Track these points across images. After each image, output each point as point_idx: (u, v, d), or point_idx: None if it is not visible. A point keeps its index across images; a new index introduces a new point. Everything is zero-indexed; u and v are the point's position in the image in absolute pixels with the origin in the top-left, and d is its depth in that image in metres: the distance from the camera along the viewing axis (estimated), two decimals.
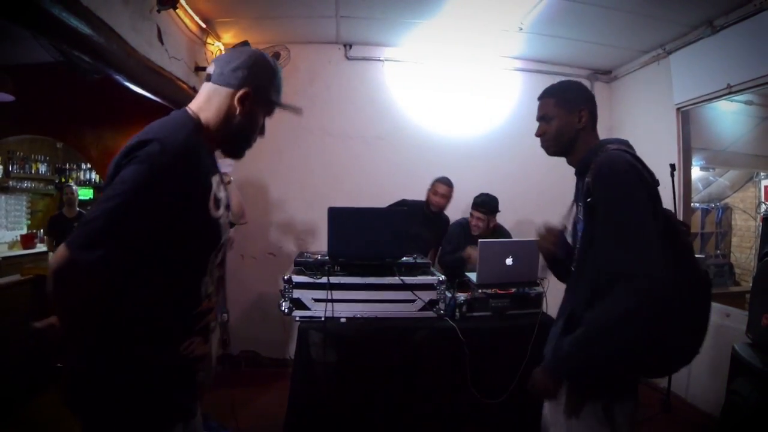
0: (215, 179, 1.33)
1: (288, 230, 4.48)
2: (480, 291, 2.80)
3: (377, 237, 2.67)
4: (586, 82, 4.69)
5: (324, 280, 2.59)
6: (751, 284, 3.01)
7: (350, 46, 4.47)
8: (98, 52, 2.50)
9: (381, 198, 4.38)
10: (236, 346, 4.38)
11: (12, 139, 5.95)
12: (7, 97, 3.93)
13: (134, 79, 2.93)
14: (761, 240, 2.79)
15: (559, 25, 3.84)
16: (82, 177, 7.20)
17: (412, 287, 2.65)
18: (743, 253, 5.90)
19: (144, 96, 3.18)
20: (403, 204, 3.84)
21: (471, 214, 3.61)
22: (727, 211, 5.94)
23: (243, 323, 4.38)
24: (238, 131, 1.37)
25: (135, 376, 1.20)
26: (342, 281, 2.62)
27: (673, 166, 3.47)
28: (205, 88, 1.37)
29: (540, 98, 1.79)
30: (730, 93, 3.46)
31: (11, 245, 6.51)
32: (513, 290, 2.82)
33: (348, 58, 4.49)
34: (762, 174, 5.87)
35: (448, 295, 2.78)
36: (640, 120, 4.33)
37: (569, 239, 1.81)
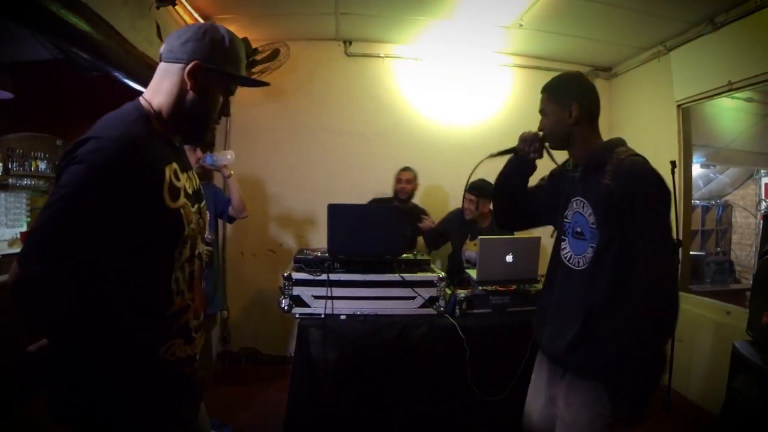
0: (170, 168, 1.23)
1: (288, 227, 4.48)
2: (480, 288, 2.80)
3: (377, 234, 2.66)
4: None
5: (324, 277, 2.58)
6: (751, 281, 3.01)
7: (350, 43, 4.46)
8: (97, 49, 2.50)
9: (381, 195, 4.38)
10: (236, 343, 4.38)
11: (11, 137, 5.93)
12: (7, 95, 3.93)
13: (133, 76, 2.92)
14: (761, 237, 2.79)
15: (559, 22, 3.83)
16: None
17: (412, 284, 2.65)
18: (743, 251, 5.91)
19: (143, 93, 3.18)
20: (375, 202, 3.95)
21: (464, 197, 3.62)
22: (727, 209, 5.94)
23: (243, 320, 4.38)
24: (191, 110, 1.26)
25: (116, 384, 1.17)
26: (342, 278, 2.62)
27: (673, 164, 3.45)
28: (159, 69, 1.28)
29: (541, 92, 1.82)
30: (730, 90, 3.45)
31: (11, 243, 6.50)
32: (513, 287, 2.82)
33: (348, 55, 4.48)
34: (762, 171, 5.88)
35: (448, 292, 2.78)
36: (641, 117, 4.32)
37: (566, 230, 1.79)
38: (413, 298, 2.65)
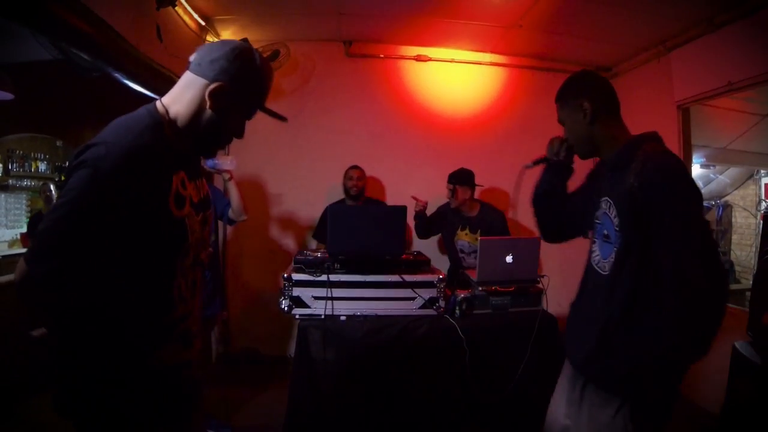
0: (178, 177, 1.25)
1: (288, 228, 4.48)
2: (480, 288, 2.80)
3: (377, 234, 2.67)
4: None
5: (324, 277, 2.59)
6: (751, 282, 3.01)
7: (350, 44, 4.46)
8: (97, 49, 2.50)
9: (382, 195, 4.39)
10: (236, 344, 4.38)
11: (11, 138, 5.93)
12: (7, 96, 3.92)
13: (133, 77, 2.92)
14: (762, 238, 2.79)
15: (558, 23, 3.83)
16: None
17: (412, 285, 2.65)
18: (743, 251, 5.90)
19: (143, 94, 3.18)
20: (332, 207, 3.91)
21: (447, 188, 3.75)
22: (727, 209, 5.94)
23: (243, 321, 4.38)
24: (207, 127, 1.27)
25: (109, 383, 1.19)
26: (342, 279, 2.62)
27: None
28: (184, 78, 1.29)
29: (555, 103, 1.75)
30: (730, 90, 3.45)
31: (11, 244, 6.50)
32: (513, 288, 2.82)
33: (348, 56, 4.48)
34: (762, 171, 5.88)
35: (449, 292, 2.78)
36: (640, 117, 4.28)
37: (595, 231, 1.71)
38: (413, 298, 2.65)
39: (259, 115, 1.35)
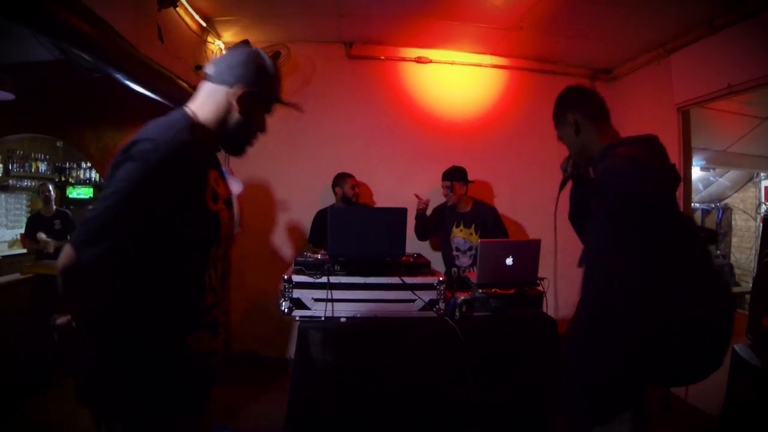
0: (213, 175, 1.35)
1: (288, 230, 4.48)
2: (480, 291, 2.80)
3: (377, 237, 2.67)
4: (586, 82, 4.70)
5: (324, 279, 2.59)
6: (751, 285, 3.01)
7: (351, 45, 4.47)
8: (98, 50, 2.50)
9: (382, 197, 4.40)
10: (236, 346, 4.38)
11: (12, 138, 5.94)
12: (7, 96, 3.92)
13: (134, 78, 2.92)
14: (761, 240, 2.79)
15: (559, 25, 3.83)
16: (82, 176, 7.20)
17: (412, 287, 2.65)
18: (743, 254, 5.91)
19: (144, 94, 3.18)
20: (324, 213, 3.92)
21: (442, 187, 3.83)
22: (727, 212, 5.94)
23: (243, 323, 4.38)
24: (236, 129, 1.40)
25: (142, 368, 1.25)
26: (342, 281, 2.62)
27: (673, 166, 3.46)
28: (204, 88, 1.40)
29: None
30: (730, 93, 3.45)
31: (11, 244, 6.51)
32: (513, 290, 2.82)
33: (349, 57, 4.48)
34: (762, 174, 5.88)
35: (449, 294, 2.78)
36: (641, 120, 4.32)
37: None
38: (413, 300, 2.65)
39: None
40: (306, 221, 4.36)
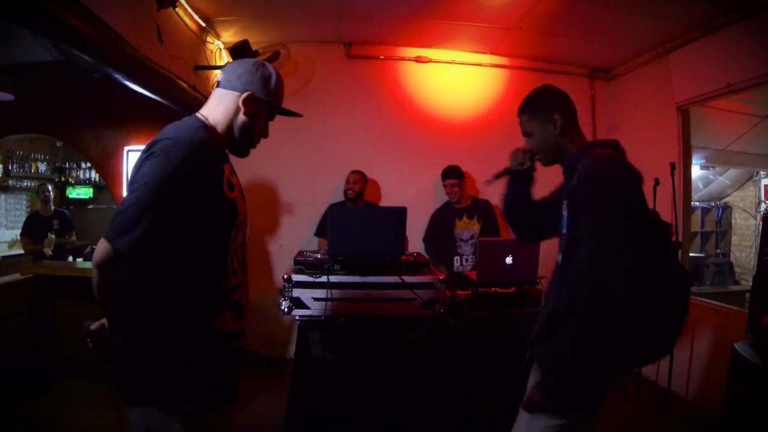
0: (227, 167, 1.49)
1: (288, 229, 4.48)
2: (480, 289, 2.80)
3: (377, 236, 2.67)
4: (585, 81, 4.70)
5: (324, 279, 2.58)
6: (751, 283, 3.01)
7: (350, 45, 4.47)
8: (98, 51, 2.50)
9: (382, 196, 4.39)
10: None
11: (12, 138, 5.95)
12: (7, 96, 3.93)
13: (134, 78, 2.92)
14: (761, 239, 2.79)
15: (558, 24, 3.84)
16: (81, 176, 7.20)
17: (412, 286, 2.65)
18: (743, 252, 5.91)
19: (144, 95, 3.18)
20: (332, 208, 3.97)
21: (444, 186, 3.96)
22: (727, 210, 5.94)
23: None
24: (242, 130, 1.52)
25: (174, 353, 1.36)
26: (342, 280, 2.62)
27: (673, 165, 3.47)
28: (215, 94, 1.54)
29: (518, 115, 1.83)
30: (730, 91, 3.45)
31: (11, 244, 6.51)
32: (513, 289, 2.82)
33: (348, 57, 4.48)
34: (762, 173, 5.88)
35: (448, 294, 2.78)
36: (640, 119, 4.32)
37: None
38: (413, 299, 2.65)
39: None
40: (305, 220, 4.37)
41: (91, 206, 7.09)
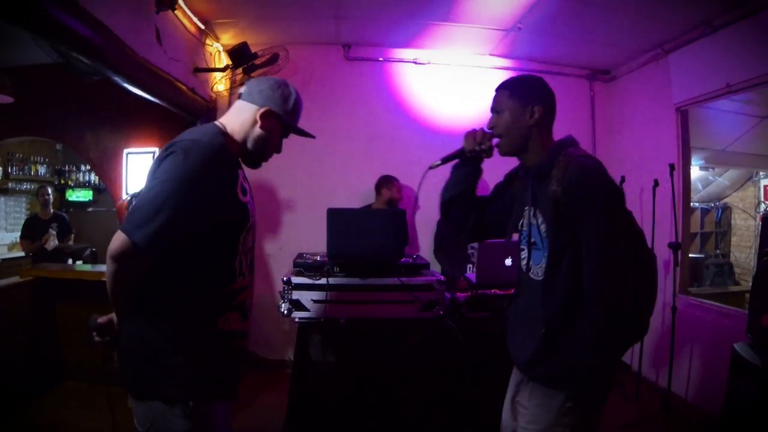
0: (240, 173, 1.54)
1: (287, 231, 4.48)
2: (479, 291, 2.79)
3: (376, 238, 2.67)
4: (585, 82, 4.70)
5: (323, 281, 2.58)
6: (750, 284, 3.01)
7: (349, 47, 4.47)
8: (97, 53, 2.50)
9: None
10: None
11: (11, 141, 5.94)
12: (6, 99, 3.93)
13: (133, 81, 2.92)
14: (761, 239, 2.79)
15: (557, 25, 3.84)
16: (81, 178, 7.19)
17: (412, 288, 2.65)
18: (743, 253, 5.90)
19: (143, 97, 3.18)
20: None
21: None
22: (726, 211, 5.93)
23: None
24: (256, 142, 1.58)
25: (179, 349, 1.39)
26: (341, 282, 2.61)
27: (672, 166, 3.47)
28: (235, 105, 1.61)
29: (496, 89, 1.74)
30: (729, 92, 3.45)
31: (11, 247, 6.51)
32: (513, 290, 2.82)
33: (347, 59, 4.48)
34: (761, 173, 5.87)
35: (448, 295, 2.78)
36: (639, 120, 4.32)
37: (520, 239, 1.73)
38: (413, 302, 2.65)
39: None
40: (304, 222, 4.36)
41: (90, 209, 7.08)
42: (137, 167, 4.38)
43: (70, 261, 5.14)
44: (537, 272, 1.60)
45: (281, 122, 1.62)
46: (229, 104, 4.34)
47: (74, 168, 7.22)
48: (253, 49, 3.87)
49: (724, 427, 2.57)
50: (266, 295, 4.24)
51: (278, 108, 1.58)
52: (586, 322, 1.45)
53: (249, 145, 1.58)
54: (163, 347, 1.39)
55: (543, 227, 1.55)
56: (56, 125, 4.67)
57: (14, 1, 1.90)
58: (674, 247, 3.48)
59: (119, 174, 4.54)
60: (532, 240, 1.61)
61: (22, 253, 6.10)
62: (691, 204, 4.49)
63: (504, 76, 4.53)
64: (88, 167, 7.02)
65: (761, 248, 2.73)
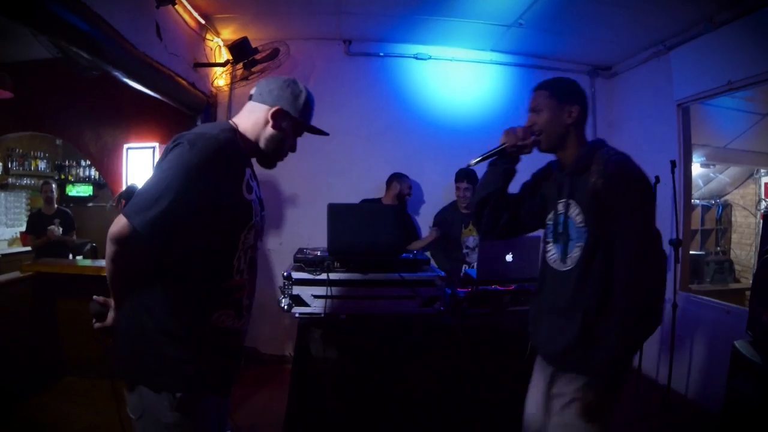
0: (248, 171, 1.53)
1: (287, 226, 4.48)
2: (480, 287, 2.79)
3: (377, 233, 2.66)
4: (586, 78, 4.70)
5: (323, 276, 2.58)
6: (751, 281, 3.01)
7: (350, 42, 4.46)
8: (97, 48, 2.50)
9: (381, 194, 4.38)
10: None
11: (11, 136, 5.94)
12: (6, 94, 3.92)
13: (133, 76, 2.92)
14: (761, 237, 2.78)
15: (558, 21, 3.83)
16: (81, 174, 7.18)
17: (412, 284, 2.65)
18: (743, 250, 5.90)
19: (143, 92, 3.18)
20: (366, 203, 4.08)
21: (457, 188, 3.83)
22: (727, 208, 5.93)
23: None
24: (268, 142, 1.59)
25: (171, 340, 1.40)
26: (342, 278, 2.61)
27: (673, 163, 3.46)
28: (247, 106, 1.62)
29: (534, 90, 1.80)
30: (730, 89, 3.45)
31: (11, 242, 6.51)
32: (513, 286, 2.82)
33: (348, 54, 4.47)
34: (762, 171, 5.87)
35: (448, 291, 2.78)
36: (641, 116, 4.31)
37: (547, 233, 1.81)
38: (413, 297, 2.65)
39: None
40: (305, 217, 4.36)
41: (90, 204, 7.07)
42: (137, 162, 4.39)
43: (70, 256, 5.15)
44: (566, 263, 1.67)
45: (293, 121, 1.62)
46: (230, 99, 4.36)
47: (74, 163, 7.20)
48: (253, 44, 3.86)
49: (724, 425, 2.58)
50: (266, 290, 4.24)
51: (289, 107, 1.59)
52: (617, 306, 1.52)
53: (262, 145, 1.59)
54: (156, 336, 1.39)
55: (579, 218, 1.63)
56: (56, 120, 4.67)
57: None
58: (675, 244, 3.48)
59: (119, 169, 4.54)
60: (560, 231, 1.69)
61: (23, 248, 6.12)
62: (692, 201, 4.49)
63: (505, 71, 4.61)
64: (88, 162, 7.00)
65: (762, 246, 2.73)
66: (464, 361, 2.59)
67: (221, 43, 4.26)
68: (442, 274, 2.71)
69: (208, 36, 4.09)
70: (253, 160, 1.64)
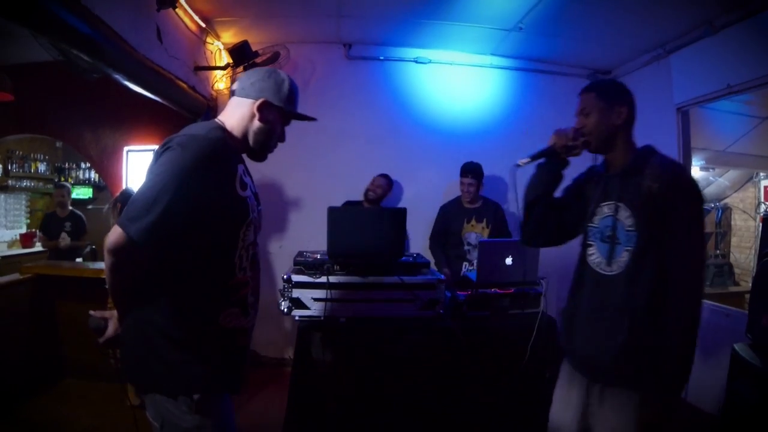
0: (240, 167, 1.52)
1: (287, 229, 4.48)
2: (480, 290, 2.79)
3: (377, 236, 2.66)
4: (585, 82, 4.69)
5: (323, 279, 2.58)
6: (750, 284, 3.01)
7: (350, 46, 4.47)
8: (97, 51, 2.50)
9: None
10: None
11: (11, 138, 5.94)
12: (6, 96, 3.93)
13: (133, 79, 2.92)
14: (761, 240, 2.79)
15: (558, 25, 3.83)
16: (81, 176, 7.19)
17: (412, 287, 2.65)
18: (743, 253, 5.90)
19: (143, 95, 3.18)
20: (348, 205, 4.11)
21: (461, 183, 3.84)
22: (726, 211, 5.94)
23: None
24: (257, 135, 1.57)
25: (178, 344, 1.40)
26: (341, 281, 2.62)
27: None
28: (231, 102, 1.60)
29: (581, 93, 1.77)
30: (730, 93, 3.45)
31: (10, 244, 6.51)
32: (513, 290, 2.82)
33: (348, 58, 4.48)
34: (762, 174, 5.87)
35: (448, 294, 2.78)
36: (640, 120, 4.25)
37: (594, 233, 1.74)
38: (413, 300, 2.65)
39: None
40: (305, 220, 4.36)
41: (90, 206, 7.07)
42: (137, 165, 4.39)
43: (79, 260, 5.20)
44: (611, 266, 1.64)
45: (279, 111, 1.59)
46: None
47: (74, 165, 7.22)
48: (254, 48, 3.86)
49: (724, 428, 2.58)
50: (267, 293, 4.22)
51: (273, 97, 1.56)
52: (673, 317, 1.51)
53: (250, 139, 1.58)
54: (163, 342, 1.39)
55: (629, 221, 1.61)
56: (56, 123, 4.67)
57: None
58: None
59: (119, 172, 4.54)
60: (608, 234, 1.66)
61: (23, 250, 6.13)
62: None
63: (505, 75, 4.62)
64: (88, 165, 7.02)
65: (761, 249, 2.73)
66: (464, 364, 2.59)
67: (221, 47, 4.26)
68: (442, 277, 2.71)
69: (209, 39, 4.09)
70: (245, 156, 1.64)
